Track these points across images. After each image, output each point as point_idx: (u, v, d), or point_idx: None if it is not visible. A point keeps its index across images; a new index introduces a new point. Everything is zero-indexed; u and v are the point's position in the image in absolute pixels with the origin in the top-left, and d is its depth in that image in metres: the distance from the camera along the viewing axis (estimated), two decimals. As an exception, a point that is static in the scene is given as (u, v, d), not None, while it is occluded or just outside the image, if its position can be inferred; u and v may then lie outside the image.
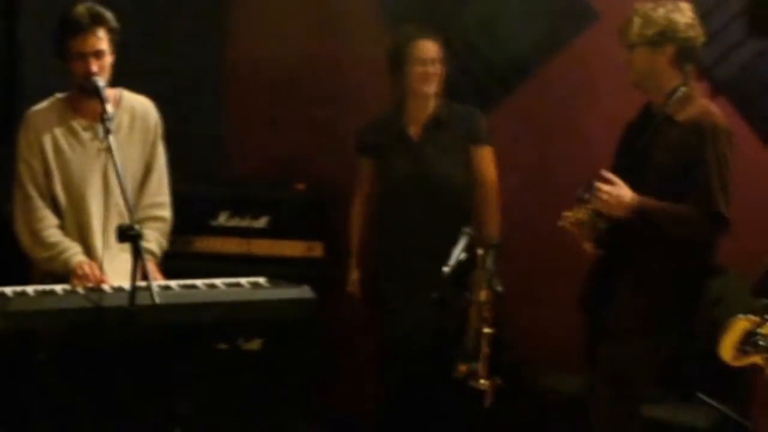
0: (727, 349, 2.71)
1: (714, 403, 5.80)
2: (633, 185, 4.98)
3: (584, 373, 5.56)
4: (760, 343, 2.70)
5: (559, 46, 6.77)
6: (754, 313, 2.87)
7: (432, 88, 5.90)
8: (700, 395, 5.82)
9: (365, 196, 6.19)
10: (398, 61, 5.93)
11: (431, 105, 5.97)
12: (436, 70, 5.89)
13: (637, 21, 5.13)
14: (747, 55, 6.46)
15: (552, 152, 6.16)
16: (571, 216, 5.08)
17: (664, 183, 5.08)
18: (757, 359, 2.72)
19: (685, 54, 5.17)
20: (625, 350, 5.19)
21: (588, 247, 5.18)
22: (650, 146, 5.14)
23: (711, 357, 5.55)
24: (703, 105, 5.25)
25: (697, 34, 5.20)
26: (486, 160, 5.99)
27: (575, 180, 5.28)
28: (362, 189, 6.18)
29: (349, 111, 6.64)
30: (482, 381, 4.98)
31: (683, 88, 5.17)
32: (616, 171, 5.09)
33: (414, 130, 6.00)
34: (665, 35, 5.11)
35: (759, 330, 2.69)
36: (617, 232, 5.08)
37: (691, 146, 5.06)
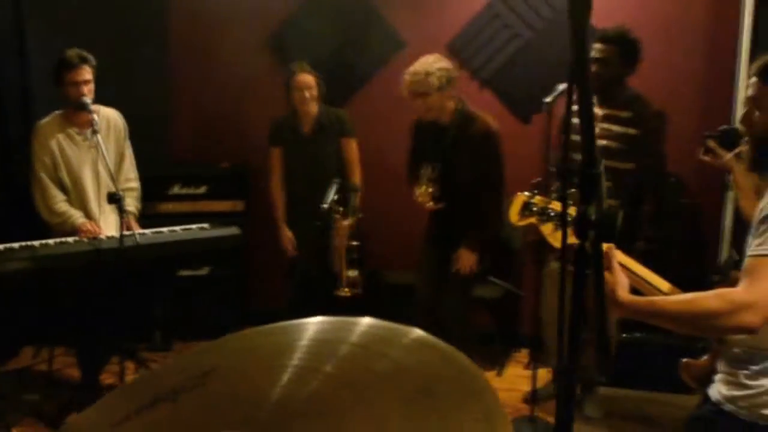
0: (514, 214, 2.86)
1: (500, 282, 6.15)
2: (448, 175, 5.22)
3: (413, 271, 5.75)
4: (534, 209, 2.81)
5: (380, 66, 6.91)
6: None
7: (309, 106, 6.00)
8: (491, 278, 6.09)
9: (278, 175, 6.23)
10: (288, 87, 6.02)
11: (314, 111, 6.05)
12: (312, 93, 5.97)
13: (423, 77, 5.09)
14: (504, 57, 6.56)
15: (377, 137, 6.25)
16: (420, 192, 5.19)
17: (470, 170, 5.23)
18: (532, 220, 2.83)
19: (454, 84, 5.22)
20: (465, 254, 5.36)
21: (430, 206, 5.23)
22: (454, 148, 5.24)
23: (496, 254, 5.88)
24: (482, 117, 5.32)
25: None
26: (351, 147, 6.11)
27: (394, 151, 5.71)
28: (275, 170, 6.22)
29: (254, 112, 6.69)
30: (345, 290, 5.33)
31: (461, 107, 5.25)
32: (420, 152, 5.37)
33: (306, 129, 6.09)
34: (449, 81, 5.13)
35: (532, 201, 2.81)
36: (445, 195, 5.24)
37: (483, 149, 5.21)
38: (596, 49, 4.92)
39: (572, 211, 2.76)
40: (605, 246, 2.63)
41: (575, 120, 4.70)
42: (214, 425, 1.27)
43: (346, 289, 5.29)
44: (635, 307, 2.52)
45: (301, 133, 6.08)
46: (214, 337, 5.06)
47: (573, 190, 2.79)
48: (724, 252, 5.85)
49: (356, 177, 6.06)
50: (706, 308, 2.42)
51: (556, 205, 2.78)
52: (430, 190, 5.17)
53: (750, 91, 2.68)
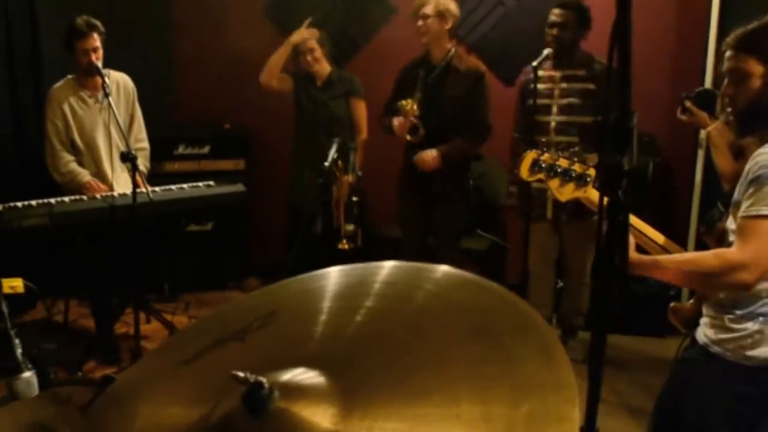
0: (524, 170, 2.88)
1: (487, 235, 6.21)
2: (430, 111, 5.25)
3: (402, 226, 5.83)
4: (542, 165, 2.83)
5: (375, 30, 6.98)
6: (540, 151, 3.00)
7: (318, 66, 6.08)
8: (480, 231, 6.18)
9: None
10: (296, 50, 6.12)
11: (326, 70, 6.14)
12: (316, 54, 6.05)
13: (432, 4, 5.19)
14: (489, 24, 6.70)
15: (371, 101, 6.11)
16: (407, 105, 5.22)
17: (456, 107, 5.29)
18: (540, 176, 2.85)
19: (453, 27, 5.33)
20: (451, 211, 5.49)
21: (407, 137, 5.26)
22: (443, 81, 5.30)
23: (483, 208, 5.94)
24: (474, 60, 5.52)
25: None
26: (359, 106, 6.17)
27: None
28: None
29: (253, 77, 6.61)
30: (344, 243, 5.30)
31: (454, 49, 5.36)
32: (402, 95, 5.34)
33: (318, 84, 6.15)
34: (452, 18, 5.26)
35: (541, 158, 2.83)
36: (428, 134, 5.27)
37: (471, 84, 5.30)
38: (555, 14, 5.10)
39: (577, 168, 2.84)
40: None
41: (540, 85, 4.83)
42: (283, 362, 1.26)
43: (345, 242, 5.29)
44: (641, 264, 2.59)
45: (314, 85, 6.15)
46: (219, 288, 5.49)
47: (576, 148, 2.86)
48: (695, 204, 5.94)
49: (363, 135, 6.13)
50: (705, 268, 2.50)
51: (563, 162, 2.80)
52: (412, 111, 5.19)
53: (728, 64, 2.71)
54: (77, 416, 1.97)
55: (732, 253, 2.47)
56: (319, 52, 6.08)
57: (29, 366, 1.94)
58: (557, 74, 5.11)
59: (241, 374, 1.15)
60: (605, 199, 1.62)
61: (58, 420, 2.00)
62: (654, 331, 5.80)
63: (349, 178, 5.35)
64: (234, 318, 1.48)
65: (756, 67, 2.59)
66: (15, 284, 2.01)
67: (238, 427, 1.17)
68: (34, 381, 1.92)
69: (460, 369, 1.18)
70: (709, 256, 2.53)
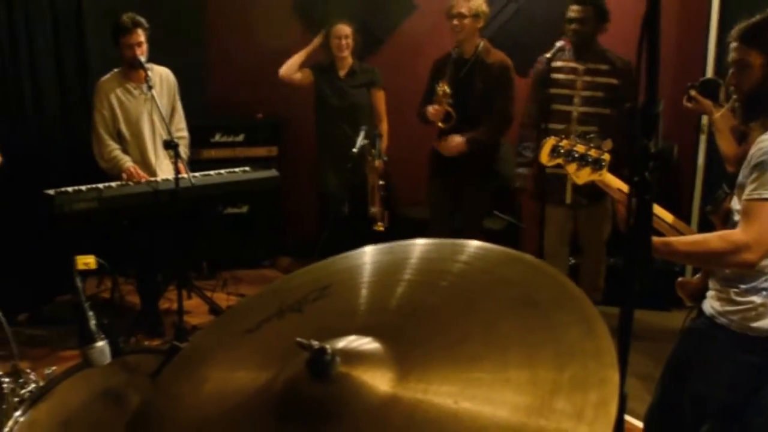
0: (544, 155, 2.89)
1: (504, 216, 6.22)
2: (461, 101, 5.29)
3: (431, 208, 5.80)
4: (561, 151, 2.84)
5: (397, 25, 6.96)
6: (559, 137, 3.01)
7: (345, 53, 6.09)
8: (497, 212, 6.19)
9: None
10: (327, 36, 6.12)
11: (350, 60, 6.16)
12: (348, 42, 6.07)
13: (466, 4, 5.22)
14: (504, 18, 6.68)
15: (393, 92, 6.21)
16: (442, 86, 5.28)
17: (485, 97, 5.32)
18: (559, 160, 2.87)
19: (483, 25, 5.38)
20: (478, 193, 5.52)
21: (440, 124, 5.32)
22: (472, 75, 5.33)
23: (499, 191, 5.93)
24: (500, 53, 5.44)
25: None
26: (380, 97, 6.19)
27: (415, 91, 5.62)
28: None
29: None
30: (379, 224, 5.27)
31: (482, 43, 5.39)
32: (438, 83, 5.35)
33: (341, 73, 6.17)
34: (484, 17, 5.32)
35: (560, 144, 2.84)
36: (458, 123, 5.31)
37: (498, 76, 5.33)
38: (573, 10, 5.00)
39: (593, 153, 2.85)
40: (623, 187, 2.70)
41: (556, 75, 4.78)
42: (338, 331, 1.28)
43: (380, 225, 5.29)
44: (653, 246, 2.58)
45: (337, 75, 6.16)
46: (253, 266, 5.58)
47: (592, 135, 2.87)
48: (698, 186, 5.93)
49: (383, 124, 6.11)
50: (712, 249, 2.53)
51: (580, 147, 2.81)
52: (445, 94, 5.25)
53: (733, 55, 2.73)
54: (146, 383, 2.01)
55: (736, 234, 2.49)
56: (350, 41, 6.07)
57: (102, 336, 1.96)
58: (580, 67, 5.04)
59: (305, 341, 1.18)
60: (634, 179, 1.63)
61: (127, 386, 2.05)
62: (660, 304, 5.83)
63: (377, 162, 5.34)
64: (291, 291, 1.50)
65: (757, 59, 2.61)
66: (88, 261, 2.03)
67: (302, 390, 1.19)
68: (107, 350, 1.95)
69: (507, 337, 1.19)
70: (715, 238, 2.55)
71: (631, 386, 4.24)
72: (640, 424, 3.28)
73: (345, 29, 6.05)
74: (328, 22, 6.15)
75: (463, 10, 5.20)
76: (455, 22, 5.24)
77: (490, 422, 1.05)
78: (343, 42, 6.03)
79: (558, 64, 5.03)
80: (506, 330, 1.21)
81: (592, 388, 1.05)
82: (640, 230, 1.68)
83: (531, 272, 1.33)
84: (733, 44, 2.72)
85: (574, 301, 1.23)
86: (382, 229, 5.23)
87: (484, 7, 5.32)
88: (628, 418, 1.75)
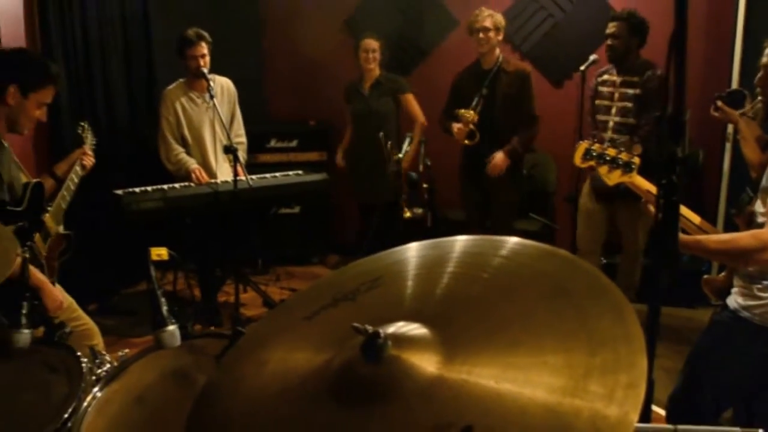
0: (578, 158, 2.92)
1: (539, 218, 6.17)
2: (485, 108, 5.32)
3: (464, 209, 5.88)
4: (593, 154, 2.87)
5: (440, 39, 6.99)
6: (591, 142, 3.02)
7: (371, 65, 6.15)
8: (532, 214, 6.16)
9: (350, 125, 6.42)
10: (356, 50, 6.19)
11: (376, 73, 6.21)
12: (375, 55, 6.13)
13: (495, 18, 5.30)
14: (540, 33, 6.68)
15: (437, 103, 5.93)
16: (466, 113, 5.31)
17: (508, 104, 5.34)
18: (591, 163, 2.90)
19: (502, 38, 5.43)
20: (506, 196, 5.55)
21: (465, 142, 5.38)
22: (495, 84, 5.36)
23: (535, 195, 5.92)
24: (519, 62, 5.64)
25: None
26: (410, 101, 6.22)
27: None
28: (348, 123, 6.43)
29: (334, 80, 6.77)
30: (406, 212, 5.29)
31: (503, 55, 5.45)
32: (467, 96, 5.41)
33: (366, 87, 6.23)
34: (503, 32, 5.39)
35: (591, 148, 2.87)
36: (483, 130, 5.34)
37: (519, 82, 5.35)
38: (610, 26, 5.00)
39: (624, 156, 2.85)
40: (652, 189, 2.70)
41: (604, 88, 4.76)
42: (388, 318, 1.30)
43: (408, 212, 5.30)
44: (686, 244, 2.63)
45: (361, 92, 6.22)
46: (304, 263, 5.67)
47: (623, 139, 2.89)
48: (723, 190, 5.87)
49: (420, 120, 6.14)
50: (742, 246, 2.53)
51: (611, 151, 2.82)
52: (472, 118, 5.27)
53: (764, 60, 2.73)
54: (211, 364, 2.05)
55: (765, 233, 2.48)
56: (377, 55, 6.12)
57: (173, 321, 2.01)
58: (618, 79, 5.04)
59: (360, 326, 1.21)
60: (662, 182, 1.65)
61: (194, 367, 2.09)
62: (686, 302, 5.76)
63: (421, 167, 5.34)
64: (344, 283, 1.52)
65: None
66: (161, 252, 2.07)
67: (356, 371, 1.21)
68: (177, 333, 2.00)
69: (543, 324, 1.21)
70: (747, 236, 2.55)
71: (656, 378, 4.22)
72: (663, 413, 3.28)
73: (372, 43, 6.11)
74: (359, 38, 6.23)
75: (488, 24, 5.27)
76: (481, 35, 5.29)
77: (530, 401, 1.06)
78: (370, 55, 6.10)
79: (604, 78, 5.09)
80: (542, 318, 1.22)
81: (622, 371, 1.07)
82: (667, 230, 1.69)
83: (565, 266, 1.35)
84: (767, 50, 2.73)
85: (605, 292, 1.24)
86: (409, 215, 5.24)
87: (503, 21, 5.38)
88: (653, 407, 1.76)
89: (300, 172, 5.75)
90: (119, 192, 5.02)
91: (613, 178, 2.80)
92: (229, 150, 4.82)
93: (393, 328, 1.26)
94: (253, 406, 1.32)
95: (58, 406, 2.04)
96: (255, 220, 6.31)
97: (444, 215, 6.37)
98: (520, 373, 1.12)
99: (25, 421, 2.08)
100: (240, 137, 5.61)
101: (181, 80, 5.42)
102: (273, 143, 6.87)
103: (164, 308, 2.00)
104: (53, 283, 3.19)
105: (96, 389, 2.13)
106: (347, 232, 6.99)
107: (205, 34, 5.23)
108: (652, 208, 2.61)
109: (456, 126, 5.37)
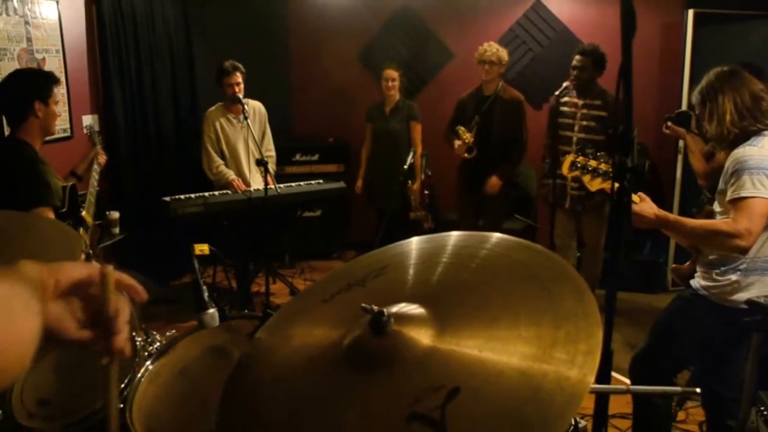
0: (565, 169, 2.92)
1: (523, 218, 6.15)
2: (483, 128, 5.33)
3: (459, 212, 5.80)
4: (578, 165, 2.87)
5: (438, 70, 6.99)
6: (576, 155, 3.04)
7: (392, 92, 6.13)
8: (517, 215, 6.14)
9: (368, 145, 6.34)
10: (379, 79, 6.18)
11: (396, 98, 6.18)
12: (394, 84, 6.11)
13: (501, 52, 5.36)
14: (522, 64, 6.75)
15: (435, 123, 5.98)
16: (464, 133, 5.31)
17: (503, 129, 5.38)
18: (577, 173, 2.90)
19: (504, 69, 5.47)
20: (497, 203, 5.56)
21: (465, 155, 5.36)
22: (493, 110, 5.39)
23: (519, 199, 5.90)
24: (516, 91, 5.53)
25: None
26: (416, 128, 6.16)
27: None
28: (367, 139, 6.35)
29: (350, 103, 6.85)
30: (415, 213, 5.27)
31: (501, 83, 5.46)
32: (468, 116, 5.42)
33: (387, 110, 6.20)
34: (505, 64, 5.45)
35: (577, 159, 2.87)
36: (479, 149, 5.35)
37: (513, 109, 5.40)
38: (576, 59, 5.07)
39: (603, 167, 2.88)
40: (639, 194, 2.75)
41: (565, 109, 4.79)
42: (393, 299, 1.33)
43: (416, 214, 5.32)
44: (667, 221, 2.68)
45: (383, 113, 6.18)
46: (325, 258, 5.64)
47: (601, 153, 2.92)
48: (676, 194, 5.91)
49: (418, 150, 6.05)
50: (719, 229, 2.58)
51: (593, 163, 2.86)
52: (468, 140, 5.25)
53: (694, 98, 2.87)
54: (244, 341, 2.08)
55: (735, 223, 2.55)
56: (397, 83, 6.11)
57: (213, 305, 2.04)
58: (579, 102, 5.08)
59: (368, 306, 1.24)
60: (616, 185, 1.68)
61: (230, 344, 2.12)
62: (648, 288, 5.82)
63: (423, 176, 5.37)
64: (356, 271, 1.55)
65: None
66: (203, 248, 2.10)
67: (366, 343, 1.25)
68: (217, 315, 2.01)
69: (519, 303, 1.24)
70: (723, 222, 2.61)
71: (623, 352, 4.25)
72: (626, 380, 3.31)
73: (392, 73, 6.09)
74: (382, 68, 6.19)
75: (494, 59, 5.32)
76: (486, 67, 5.33)
77: (507, 366, 1.10)
78: (390, 84, 6.08)
79: (565, 99, 5.10)
80: (518, 298, 1.26)
81: (581, 341, 1.11)
82: (619, 223, 1.72)
83: (537, 256, 1.38)
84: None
85: (569, 278, 1.28)
86: (417, 215, 5.21)
87: (507, 56, 5.42)
88: (615, 374, 1.79)
89: (321, 181, 5.77)
90: (167, 198, 5.07)
91: (594, 184, 2.84)
92: (261, 163, 4.85)
93: (396, 308, 1.30)
94: (281, 373, 1.36)
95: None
96: (283, 221, 6.31)
97: (443, 216, 6.40)
98: (499, 344, 1.16)
99: (88, 390, 2.10)
100: (270, 152, 5.62)
101: (219, 104, 5.44)
102: (298, 157, 6.87)
103: (205, 294, 2.02)
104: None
105: (148, 362, 2.18)
106: (361, 231, 6.93)
107: (239, 65, 5.24)
108: (642, 203, 2.71)
109: (457, 142, 5.37)
